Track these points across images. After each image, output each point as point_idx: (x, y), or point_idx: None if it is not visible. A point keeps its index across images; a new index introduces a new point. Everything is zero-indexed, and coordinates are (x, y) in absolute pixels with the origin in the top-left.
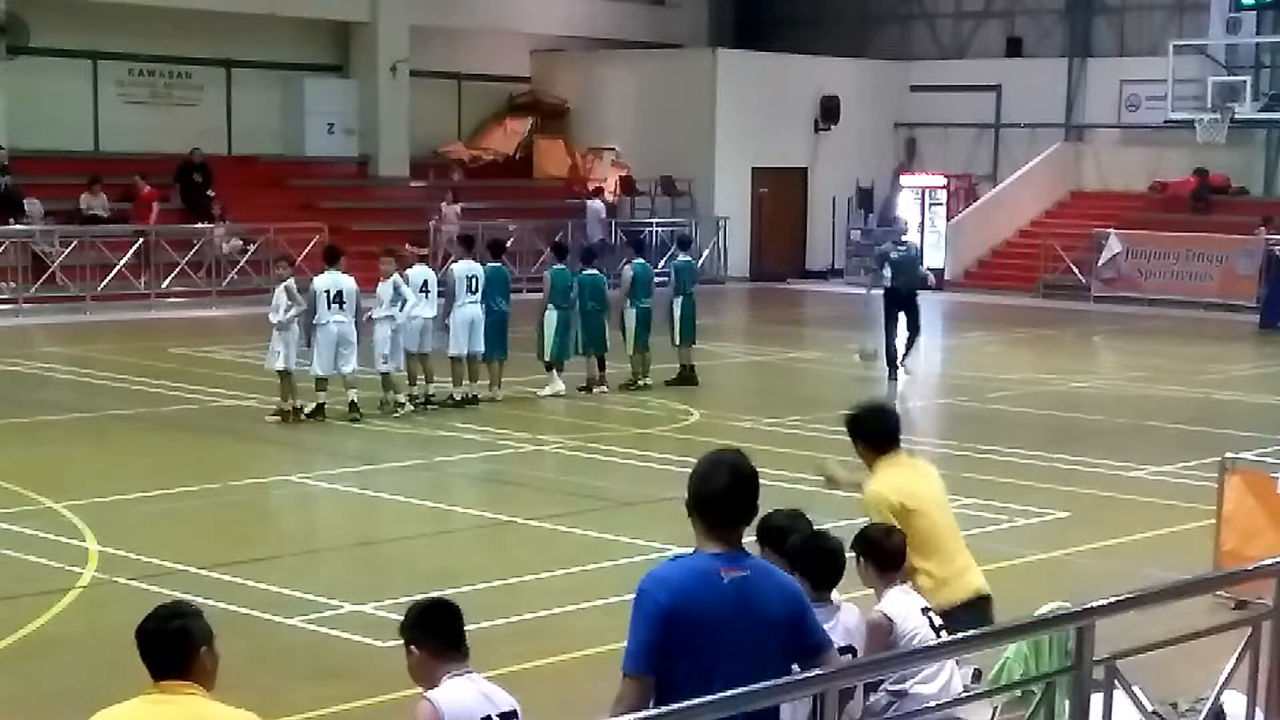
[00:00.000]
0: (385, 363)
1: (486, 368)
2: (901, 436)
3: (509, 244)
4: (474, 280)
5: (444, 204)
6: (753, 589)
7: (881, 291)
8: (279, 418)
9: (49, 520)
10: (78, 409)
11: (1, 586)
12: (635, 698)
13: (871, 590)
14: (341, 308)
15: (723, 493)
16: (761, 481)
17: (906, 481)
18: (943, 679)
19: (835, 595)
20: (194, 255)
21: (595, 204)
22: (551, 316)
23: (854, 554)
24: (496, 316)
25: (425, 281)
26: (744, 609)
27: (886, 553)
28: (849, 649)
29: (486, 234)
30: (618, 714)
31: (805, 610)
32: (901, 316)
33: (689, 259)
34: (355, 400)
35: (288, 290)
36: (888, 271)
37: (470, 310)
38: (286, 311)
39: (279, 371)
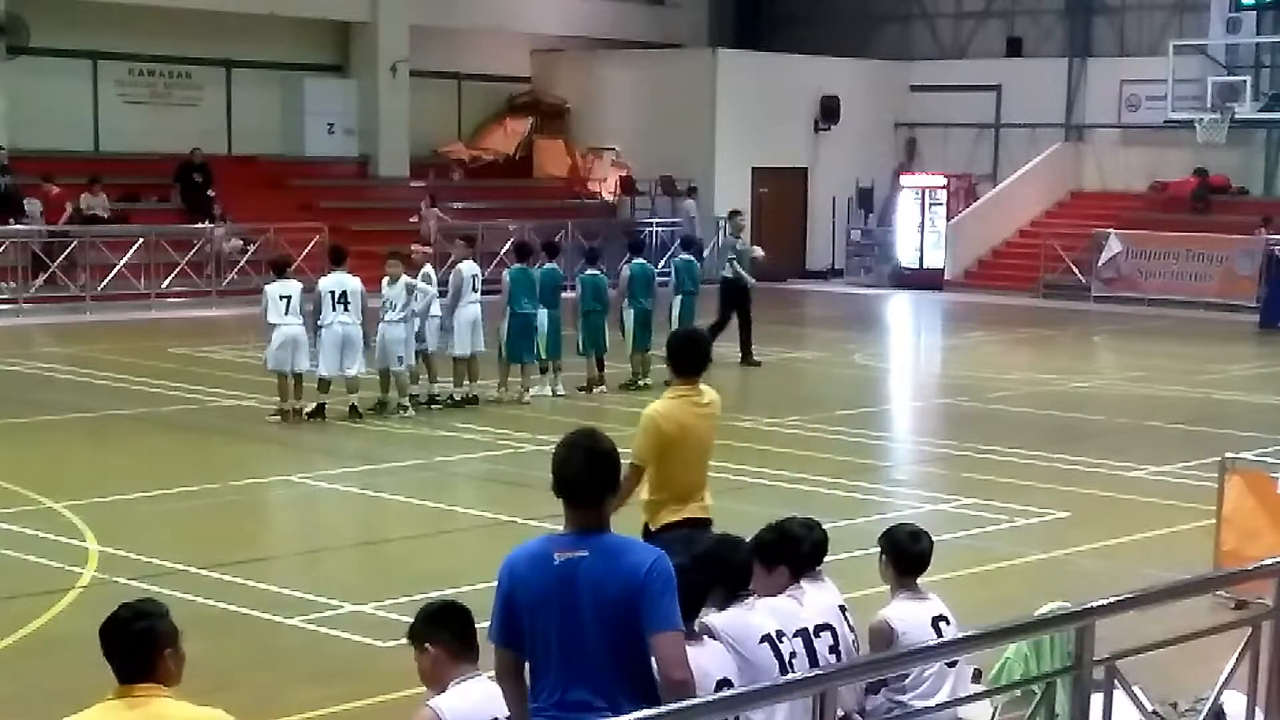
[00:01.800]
0: (400, 363)
1: (510, 370)
2: (705, 371)
3: (508, 244)
4: (476, 280)
5: (423, 204)
6: (586, 570)
7: (724, 282)
8: (279, 417)
9: (49, 520)
10: (78, 409)
11: (1, 586)
12: (497, 665)
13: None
14: (346, 309)
15: (572, 474)
16: (761, 481)
17: (681, 412)
18: (944, 695)
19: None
20: (194, 255)
21: (689, 203)
22: (543, 316)
23: (879, 551)
24: (521, 319)
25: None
26: (571, 590)
27: (908, 556)
28: (826, 626)
29: (487, 235)
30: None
31: (647, 588)
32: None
33: (690, 258)
34: (356, 404)
35: (406, 286)
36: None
37: (473, 310)
38: (404, 308)
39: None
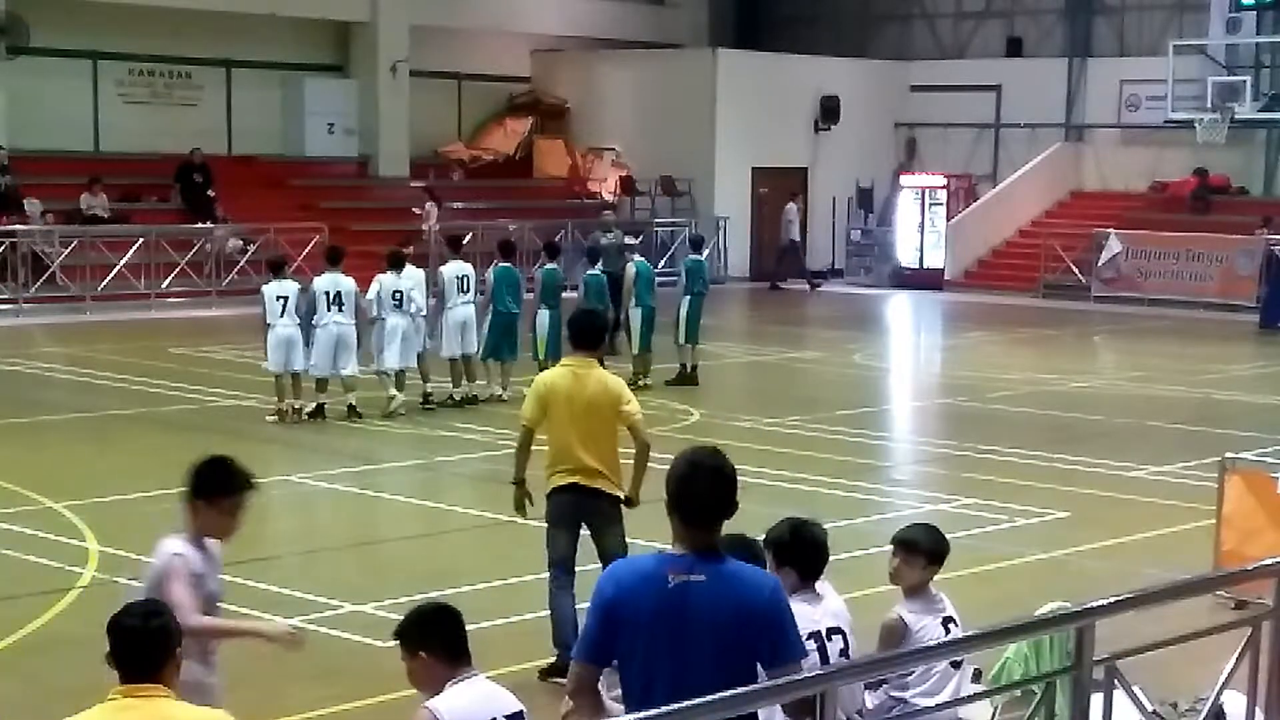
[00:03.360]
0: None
1: (487, 368)
2: (598, 345)
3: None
4: (464, 281)
5: (427, 203)
6: (702, 594)
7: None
8: (277, 417)
9: (49, 520)
10: (78, 409)
11: (1, 586)
12: (575, 681)
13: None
14: (341, 309)
15: (697, 493)
16: (761, 482)
17: (563, 381)
18: (946, 695)
19: (821, 585)
20: (194, 255)
21: (791, 207)
22: (543, 316)
23: (891, 549)
24: (504, 318)
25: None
26: (686, 614)
27: (924, 550)
28: (837, 630)
29: (487, 234)
30: (567, 693)
31: (768, 617)
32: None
33: (699, 258)
34: (354, 404)
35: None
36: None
37: (462, 311)
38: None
39: (393, 371)
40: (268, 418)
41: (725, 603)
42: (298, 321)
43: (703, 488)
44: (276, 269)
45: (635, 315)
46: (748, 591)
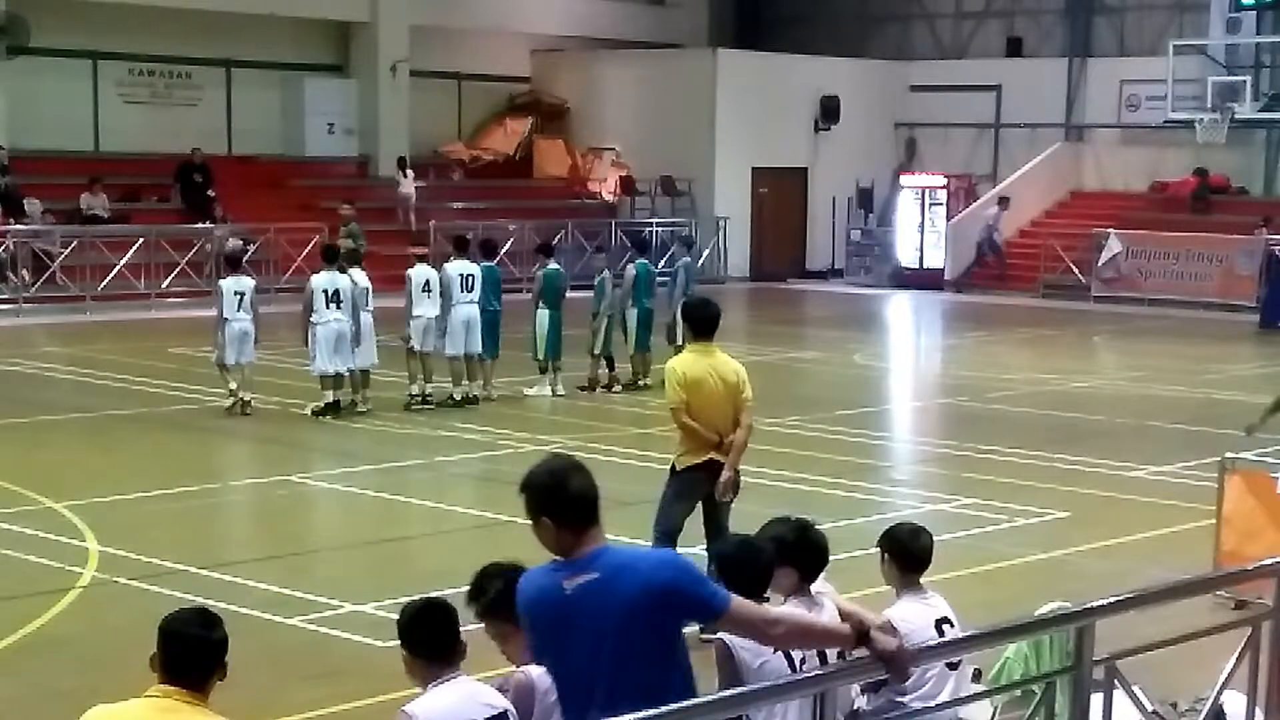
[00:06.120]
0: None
1: (480, 367)
2: (717, 332)
3: (509, 243)
4: (469, 279)
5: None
6: (603, 590)
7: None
8: (232, 408)
9: (49, 520)
10: (78, 409)
11: (1, 586)
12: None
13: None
14: (339, 306)
15: (572, 497)
16: (761, 481)
17: (696, 367)
18: (945, 696)
19: (818, 586)
20: (194, 255)
21: (991, 211)
22: (543, 317)
23: (879, 551)
24: (489, 316)
25: (427, 281)
26: (595, 611)
27: (910, 554)
28: None
29: (487, 234)
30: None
31: (675, 592)
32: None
33: (688, 259)
34: (357, 400)
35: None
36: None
37: (466, 310)
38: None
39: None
40: (227, 409)
41: (627, 592)
42: (251, 316)
43: (575, 491)
44: (234, 264)
45: (632, 316)
46: (647, 574)
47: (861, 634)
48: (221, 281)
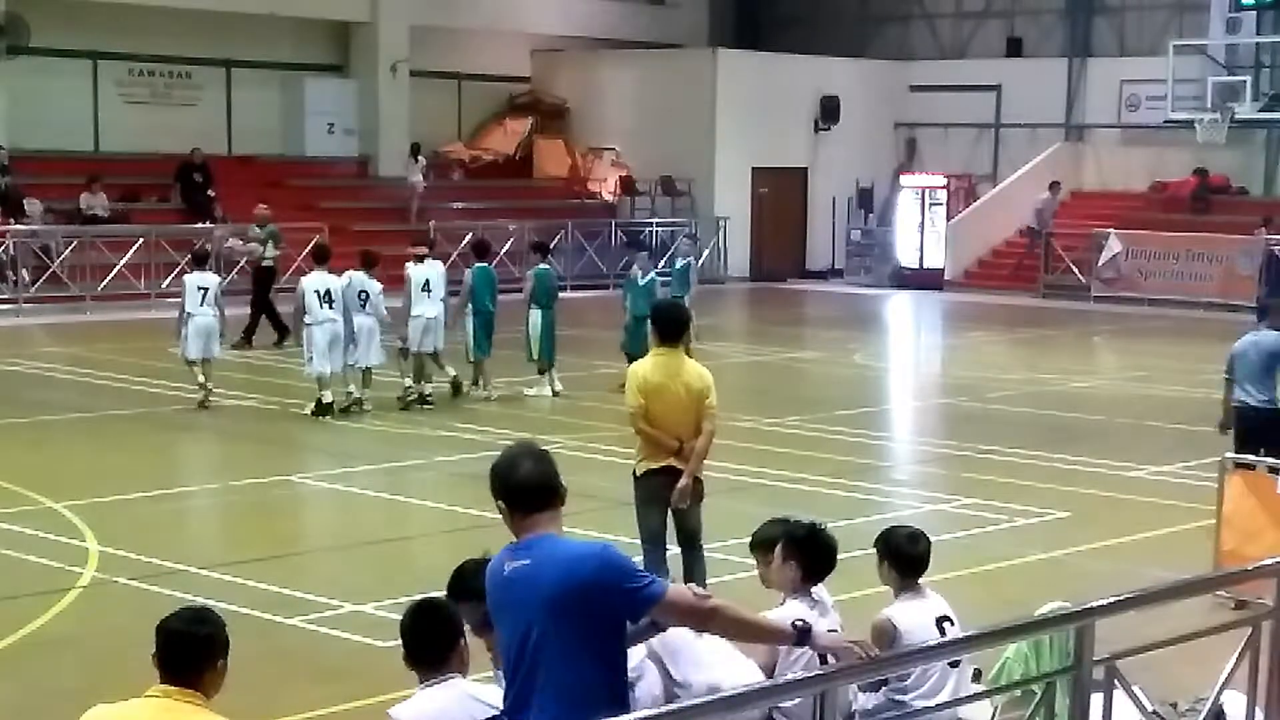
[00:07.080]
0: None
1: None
2: (684, 337)
3: (508, 244)
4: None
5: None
6: (530, 576)
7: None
8: (201, 404)
9: (49, 520)
10: (78, 409)
11: (1, 586)
12: None
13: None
14: (332, 306)
15: (520, 483)
16: (762, 482)
17: (658, 372)
18: (945, 695)
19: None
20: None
21: (1043, 196)
22: (535, 317)
23: (876, 553)
24: (485, 316)
25: (427, 281)
26: (521, 597)
27: (908, 558)
28: (835, 632)
29: (487, 234)
30: None
31: (600, 584)
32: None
33: (691, 259)
34: (362, 397)
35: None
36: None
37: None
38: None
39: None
40: (201, 406)
41: (546, 582)
42: (216, 313)
43: (521, 476)
44: (200, 260)
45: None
46: (571, 566)
47: (803, 633)
48: (186, 277)
